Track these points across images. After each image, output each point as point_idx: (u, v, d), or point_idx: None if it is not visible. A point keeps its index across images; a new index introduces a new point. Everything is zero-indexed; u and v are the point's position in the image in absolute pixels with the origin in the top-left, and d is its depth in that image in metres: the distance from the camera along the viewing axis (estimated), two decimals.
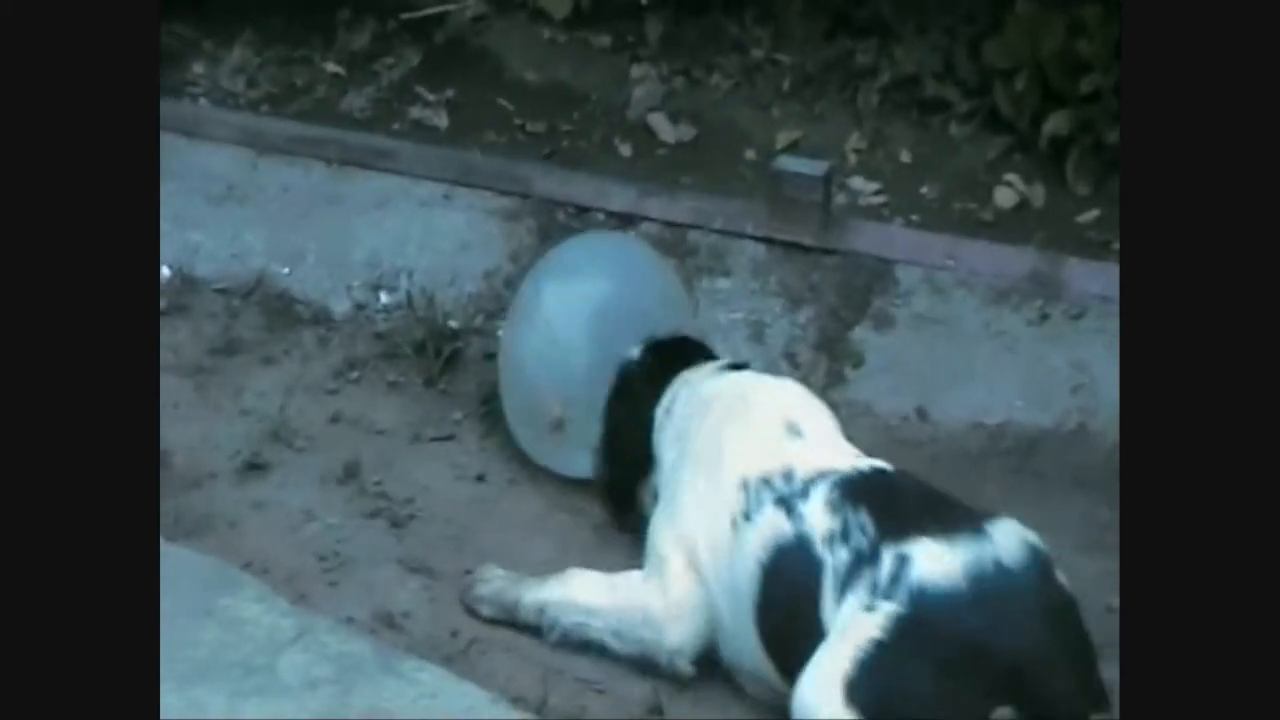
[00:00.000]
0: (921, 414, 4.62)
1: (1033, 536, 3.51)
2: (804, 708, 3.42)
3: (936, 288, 4.77)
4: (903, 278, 4.80)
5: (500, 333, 4.64)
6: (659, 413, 4.12)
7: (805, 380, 4.58)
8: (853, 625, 3.43)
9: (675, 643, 3.84)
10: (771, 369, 4.61)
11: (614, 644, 3.89)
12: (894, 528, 3.52)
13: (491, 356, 4.68)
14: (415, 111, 5.45)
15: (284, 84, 5.59)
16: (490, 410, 4.57)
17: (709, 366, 4.18)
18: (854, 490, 3.64)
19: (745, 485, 3.76)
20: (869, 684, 3.36)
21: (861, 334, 4.75)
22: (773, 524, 3.69)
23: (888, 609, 3.39)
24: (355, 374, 4.75)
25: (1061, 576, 3.49)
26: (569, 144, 5.32)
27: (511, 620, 3.98)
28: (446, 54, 5.60)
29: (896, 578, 3.42)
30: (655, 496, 4.06)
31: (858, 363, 4.70)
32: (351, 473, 4.38)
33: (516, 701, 3.68)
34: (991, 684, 3.34)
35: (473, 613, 4.01)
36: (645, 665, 3.86)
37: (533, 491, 4.40)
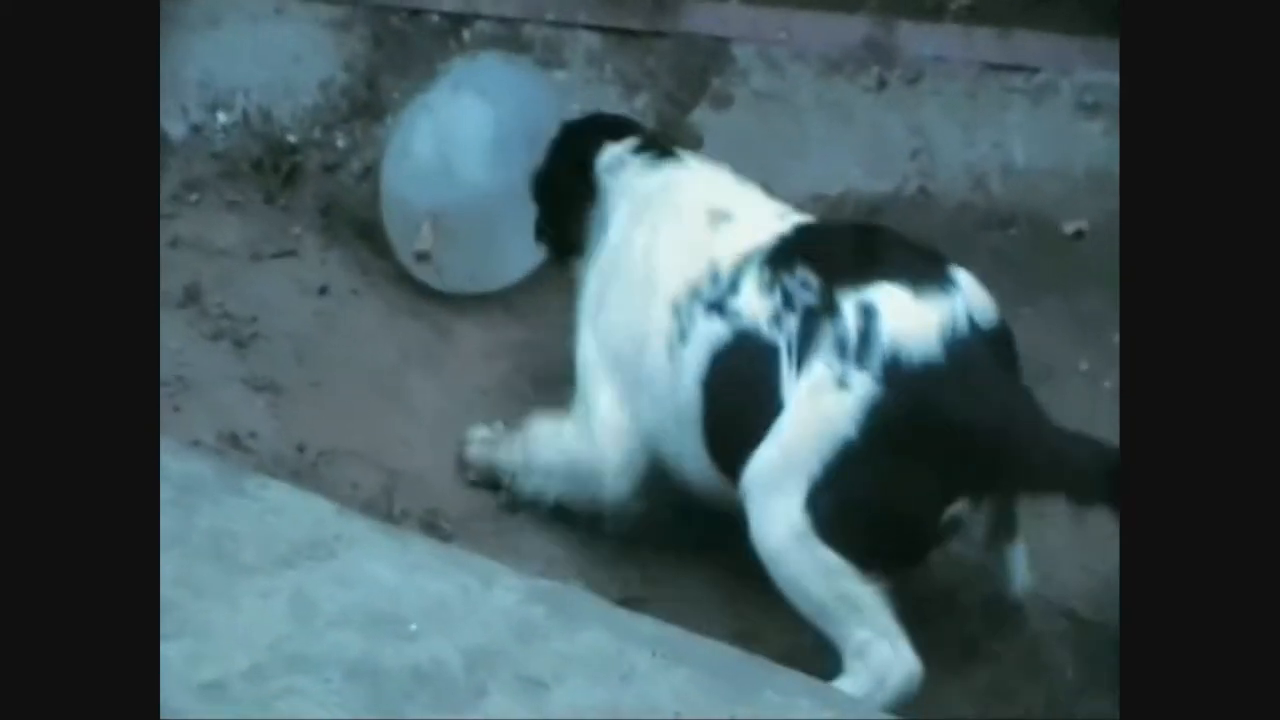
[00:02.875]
0: (764, 190, 4.60)
1: None
2: (757, 489, 3.17)
3: (772, 63, 4.74)
4: (739, 56, 4.76)
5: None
6: (600, 169, 3.85)
7: None
8: (822, 401, 3.13)
9: (613, 488, 3.66)
10: None
11: (571, 498, 3.74)
12: (845, 275, 3.20)
13: (330, 168, 4.65)
14: None
15: None
16: (330, 223, 4.54)
17: (639, 152, 3.88)
18: (784, 256, 3.35)
19: (676, 308, 3.49)
20: (832, 494, 3.10)
21: (700, 115, 4.72)
22: (708, 335, 3.41)
23: (859, 389, 3.09)
24: (194, 196, 4.69)
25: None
26: None
27: (497, 485, 3.86)
28: None
29: (866, 336, 3.11)
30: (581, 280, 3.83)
31: (697, 144, 4.65)
32: (193, 295, 4.33)
33: (366, 509, 3.66)
34: (965, 469, 3.09)
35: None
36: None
37: (376, 300, 4.39)
